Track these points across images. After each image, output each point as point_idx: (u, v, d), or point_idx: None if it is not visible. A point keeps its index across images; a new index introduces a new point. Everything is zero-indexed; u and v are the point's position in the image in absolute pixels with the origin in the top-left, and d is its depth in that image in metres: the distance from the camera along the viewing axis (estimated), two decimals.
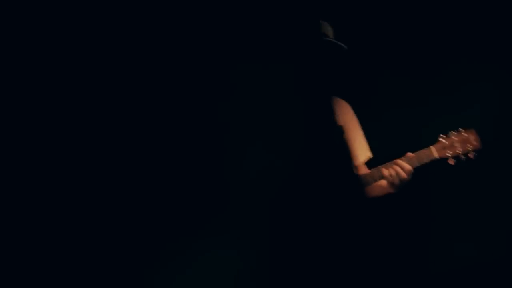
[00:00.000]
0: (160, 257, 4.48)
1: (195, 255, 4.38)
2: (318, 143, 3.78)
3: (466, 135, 3.83)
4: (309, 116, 3.78)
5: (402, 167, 3.74)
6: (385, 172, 3.75)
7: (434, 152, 3.80)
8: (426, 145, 3.82)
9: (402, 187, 3.78)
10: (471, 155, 3.81)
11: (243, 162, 3.79)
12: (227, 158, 3.92)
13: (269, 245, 3.66)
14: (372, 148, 4.03)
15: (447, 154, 3.80)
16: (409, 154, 3.78)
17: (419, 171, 3.80)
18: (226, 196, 3.92)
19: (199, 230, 4.37)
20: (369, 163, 3.95)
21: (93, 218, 4.47)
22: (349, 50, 3.84)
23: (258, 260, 3.67)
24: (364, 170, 3.87)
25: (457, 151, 3.80)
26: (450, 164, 3.81)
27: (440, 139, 3.82)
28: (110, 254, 4.48)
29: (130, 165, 4.50)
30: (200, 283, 4.35)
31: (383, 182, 3.81)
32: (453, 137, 3.82)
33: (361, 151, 3.96)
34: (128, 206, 4.50)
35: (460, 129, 3.83)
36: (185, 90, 4.54)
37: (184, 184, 4.48)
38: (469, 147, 3.81)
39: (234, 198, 3.82)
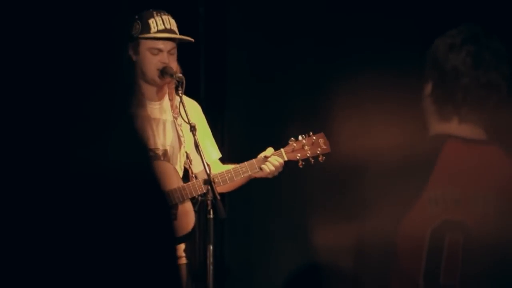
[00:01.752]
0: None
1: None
2: (166, 143, 3.75)
3: (315, 138, 3.87)
4: (152, 115, 3.73)
5: (278, 161, 3.79)
6: (266, 168, 3.76)
7: (284, 154, 3.82)
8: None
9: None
10: (321, 159, 3.85)
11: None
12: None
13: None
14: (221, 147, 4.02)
15: (297, 157, 3.83)
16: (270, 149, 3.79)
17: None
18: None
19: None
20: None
21: None
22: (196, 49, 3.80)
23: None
24: (218, 166, 3.83)
25: (307, 154, 3.84)
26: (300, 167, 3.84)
27: (290, 142, 3.85)
28: None
29: None
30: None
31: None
32: (303, 140, 3.86)
33: (211, 150, 3.93)
34: None
35: (311, 132, 3.86)
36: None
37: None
38: (319, 150, 3.85)
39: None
